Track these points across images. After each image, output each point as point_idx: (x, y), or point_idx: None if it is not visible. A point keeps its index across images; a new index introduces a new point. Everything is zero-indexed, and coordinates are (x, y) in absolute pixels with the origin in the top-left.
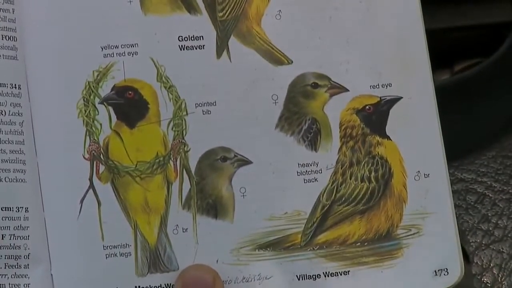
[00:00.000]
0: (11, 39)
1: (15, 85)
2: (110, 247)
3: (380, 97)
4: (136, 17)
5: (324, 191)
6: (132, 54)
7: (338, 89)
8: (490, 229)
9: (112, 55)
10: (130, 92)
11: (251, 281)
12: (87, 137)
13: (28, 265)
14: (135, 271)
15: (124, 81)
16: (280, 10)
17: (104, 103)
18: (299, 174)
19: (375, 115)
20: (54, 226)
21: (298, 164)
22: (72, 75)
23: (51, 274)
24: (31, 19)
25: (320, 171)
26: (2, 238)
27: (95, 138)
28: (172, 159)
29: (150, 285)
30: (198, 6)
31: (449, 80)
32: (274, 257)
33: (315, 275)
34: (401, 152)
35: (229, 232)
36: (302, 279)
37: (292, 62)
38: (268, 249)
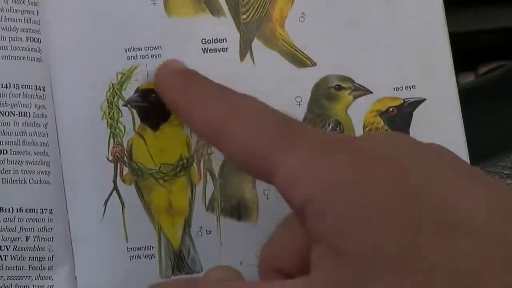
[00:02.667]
0: (35, 40)
1: (40, 86)
2: (134, 249)
3: (404, 99)
4: (160, 19)
5: None
6: (156, 57)
7: (361, 91)
8: None
9: (135, 58)
10: (153, 95)
11: None
12: (111, 139)
13: (52, 266)
14: (159, 273)
15: (148, 84)
16: (303, 13)
17: (128, 105)
18: None
19: (399, 117)
20: (78, 228)
21: None
22: (96, 77)
23: (75, 276)
24: (55, 21)
25: None
26: (27, 240)
27: (119, 140)
28: (195, 161)
29: None
30: (221, 8)
31: (473, 82)
32: None
33: None
34: None
35: (253, 233)
36: None
37: (315, 64)
38: None
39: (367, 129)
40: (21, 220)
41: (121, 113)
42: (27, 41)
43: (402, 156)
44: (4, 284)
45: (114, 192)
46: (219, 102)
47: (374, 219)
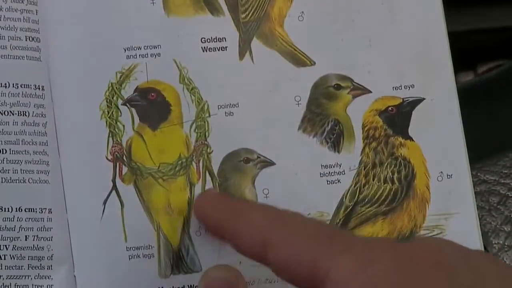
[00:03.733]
0: (35, 40)
1: (39, 86)
2: (133, 248)
3: (403, 98)
4: (159, 19)
5: (347, 192)
6: (155, 56)
7: (360, 90)
8: None
9: (135, 57)
10: (152, 94)
11: (274, 282)
12: (110, 139)
13: (51, 266)
14: (158, 272)
15: (147, 83)
16: (302, 12)
17: (127, 104)
18: (322, 175)
19: (398, 116)
20: (77, 227)
21: (321, 165)
22: (95, 76)
23: (74, 275)
24: (55, 20)
25: (343, 172)
26: (26, 239)
27: (118, 140)
28: (194, 160)
29: (173, 286)
30: (221, 8)
31: (472, 81)
32: None
33: None
34: (424, 153)
35: None
36: None
37: (314, 63)
38: None
39: (366, 128)
40: (20, 219)
41: (120, 112)
42: (26, 40)
43: (449, 260)
44: (3, 284)
45: (113, 191)
46: (264, 215)
47: None
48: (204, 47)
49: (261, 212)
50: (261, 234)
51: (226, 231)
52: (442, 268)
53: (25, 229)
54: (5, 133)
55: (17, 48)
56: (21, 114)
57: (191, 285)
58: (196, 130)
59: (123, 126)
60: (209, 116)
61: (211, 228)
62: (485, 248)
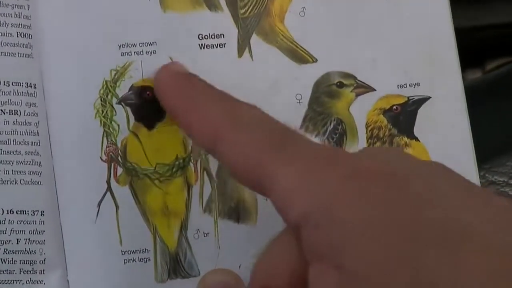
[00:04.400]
0: (26, 36)
1: (31, 84)
2: (129, 252)
3: (408, 97)
4: (155, 14)
5: None
6: (151, 53)
7: (364, 88)
8: None
9: (130, 54)
10: (148, 92)
11: None
12: (105, 138)
13: (43, 270)
14: (154, 276)
15: (142, 81)
16: (304, 7)
17: (122, 103)
18: None
19: (403, 116)
20: (71, 230)
21: None
22: (89, 73)
23: (67, 280)
24: (47, 16)
25: None
26: (17, 243)
27: (113, 140)
28: (192, 161)
29: None
30: (219, 3)
31: (480, 79)
32: None
33: None
34: (430, 154)
35: (252, 236)
36: None
37: (316, 60)
38: None
39: (370, 128)
40: (12, 222)
41: (115, 111)
42: (17, 36)
43: (400, 170)
44: None
45: (108, 193)
46: (219, 109)
47: (374, 234)
48: (202, 44)
49: (217, 102)
50: (212, 127)
51: (180, 120)
52: (394, 180)
53: (17, 232)
54: None
55: (8, 44)
56: (12, 113)
57: None
58: None
59: (118, 125)
60: None
61: (166, 109)
62: None
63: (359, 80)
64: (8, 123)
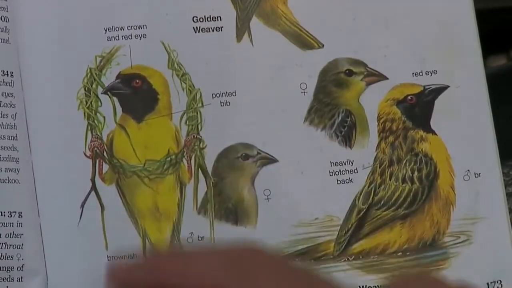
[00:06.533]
0: (3, 19)
1: (7, 72)
2: (115, 257)
3: (424, 86)
4: None
5: (360, 193)
6: (140, 37)
7: (376, 77)
8: None
9: (117, 38)
10: (137, 81)
11: None
12: (89, 132)
13: (21, 278)
14: None
15: (131, 68)
16: None
17: (108, 93)
18: (331, 174)
19: (418, 107)
20: (51, 233)
21: (331, 163)
22: (71, 60)
23: None
24: None
25: (355, 171)
26: None
27: (98, 133)
28: (185, 157)
29: None
30: None
31: (504, 66)
32: None
33: None
34: (448, 149)
35: (252, 240)
36: None
37: (323, 46)
38: (296, 259)
39: (382, 120)
40: None
41: (100, 102)
42: None
43: None
44: None
45: (93, 192)
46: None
47: None
48: (197, 27)
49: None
50: None
51: None
52: None
53: None
54: None
55: None
56: None
57: None
58: (187, 122)
59: (104, 117)
60: (202, 106)
61: None
62: None
63: (369, 68)
64: None
